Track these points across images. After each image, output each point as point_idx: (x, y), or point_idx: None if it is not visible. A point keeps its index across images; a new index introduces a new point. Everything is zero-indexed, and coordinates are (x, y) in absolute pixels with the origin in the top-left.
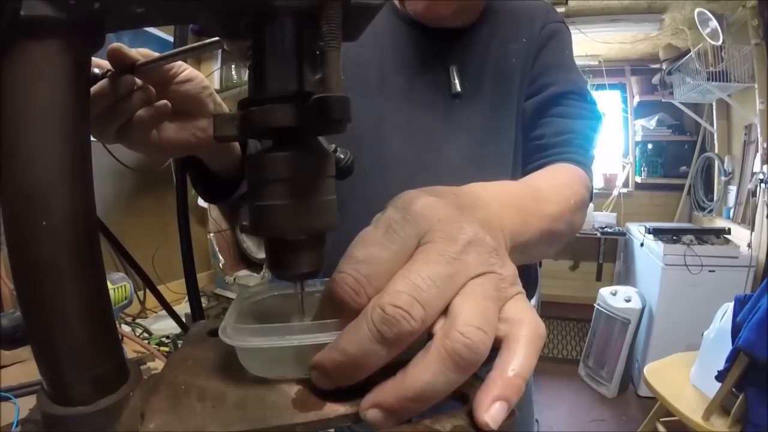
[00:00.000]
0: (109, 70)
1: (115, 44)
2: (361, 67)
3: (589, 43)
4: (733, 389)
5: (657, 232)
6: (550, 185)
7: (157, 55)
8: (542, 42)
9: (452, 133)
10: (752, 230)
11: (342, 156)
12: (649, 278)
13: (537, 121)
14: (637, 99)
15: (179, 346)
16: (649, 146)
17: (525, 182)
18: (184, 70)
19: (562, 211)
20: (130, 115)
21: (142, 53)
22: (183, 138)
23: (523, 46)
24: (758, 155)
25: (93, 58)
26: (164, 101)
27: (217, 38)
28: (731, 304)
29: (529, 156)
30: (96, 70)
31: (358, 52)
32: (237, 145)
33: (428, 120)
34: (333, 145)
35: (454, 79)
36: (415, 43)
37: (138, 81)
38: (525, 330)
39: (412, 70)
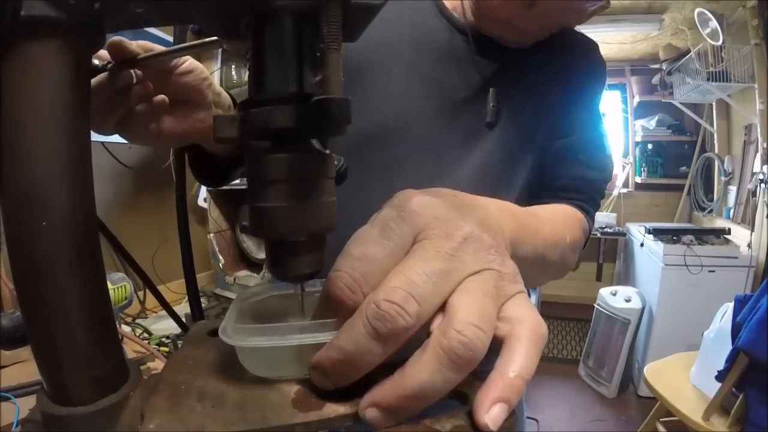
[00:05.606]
0: (109, 62)
1: (116, 37)
2: (388, 63)
3: None
4: (733, 389)
5: (657, 232)
6: (549, 216)
7: (157, 48)
8: (580, 83)
9: (474, 158)
10: (752, 230)
11: (335, 162)
12: (649, 278)
13: (555, 163)
14: (637, 99)
15: (179, 346)
16: (649, 146)
17: (525, 208)
18: (185, 61)
19: (556, 241)
20: (128, 109)
21: (142, 46)
22: (182, 129)
23: (563, 85)
24: (758, 155)
25: None
26: (162, 96)
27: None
28: (731, 304)
29: (538, 192)
30: (96, 62)
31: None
32: None
33: (453, 141)
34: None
35: (491, 105)
36: (457, 50)
37: (138, 72)
38: (526, 330)
39: (448, 81)
